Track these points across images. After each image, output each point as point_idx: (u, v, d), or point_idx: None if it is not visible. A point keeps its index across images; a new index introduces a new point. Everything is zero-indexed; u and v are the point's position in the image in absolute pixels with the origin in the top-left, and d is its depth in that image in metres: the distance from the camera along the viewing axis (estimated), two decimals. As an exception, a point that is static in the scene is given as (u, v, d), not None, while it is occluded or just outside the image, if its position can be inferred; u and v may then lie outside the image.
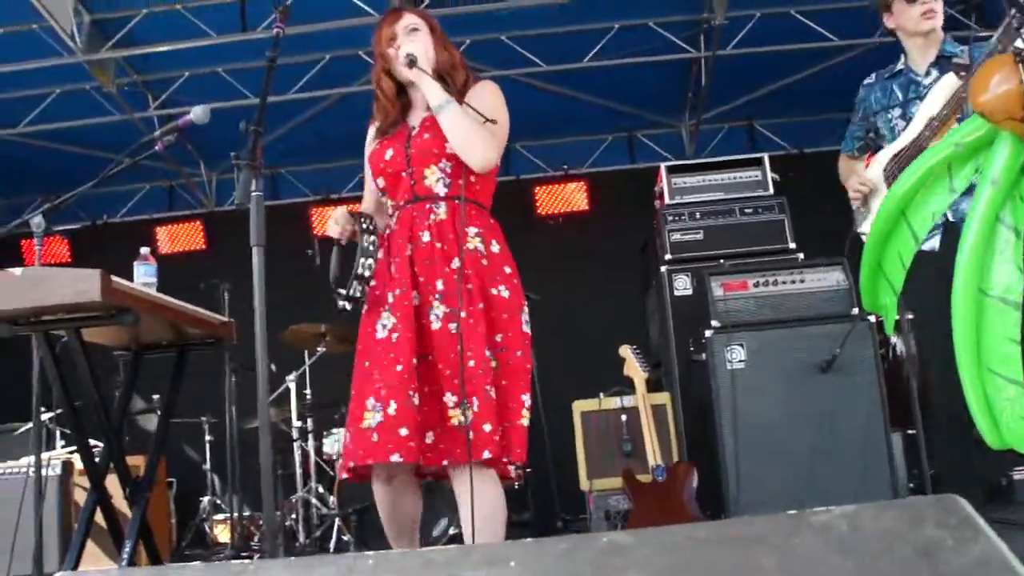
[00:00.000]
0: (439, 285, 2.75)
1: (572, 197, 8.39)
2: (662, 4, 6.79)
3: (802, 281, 5.01)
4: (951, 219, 3.49)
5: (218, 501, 6.69)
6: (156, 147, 3.31)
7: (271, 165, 8.42)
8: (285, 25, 2.80)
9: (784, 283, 5.03)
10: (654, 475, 4.68)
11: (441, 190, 2.83)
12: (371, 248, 2.81)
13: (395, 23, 2.94)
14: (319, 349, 6.11)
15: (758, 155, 6.17)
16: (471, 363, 2.63)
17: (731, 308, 4.94)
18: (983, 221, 2.28)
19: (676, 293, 5.71)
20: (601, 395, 5.33)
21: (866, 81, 3.93)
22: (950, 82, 3.30)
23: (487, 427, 2.59)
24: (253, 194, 2.45)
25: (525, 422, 2.73)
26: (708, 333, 4.84)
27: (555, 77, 7.49)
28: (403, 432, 2.55)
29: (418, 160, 2.84)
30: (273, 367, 6.28)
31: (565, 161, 8.46)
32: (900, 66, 3.77)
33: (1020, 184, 2.27)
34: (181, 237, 8.54)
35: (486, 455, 2.58)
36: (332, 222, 2.90)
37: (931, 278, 3.06)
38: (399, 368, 2.63)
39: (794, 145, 8.25)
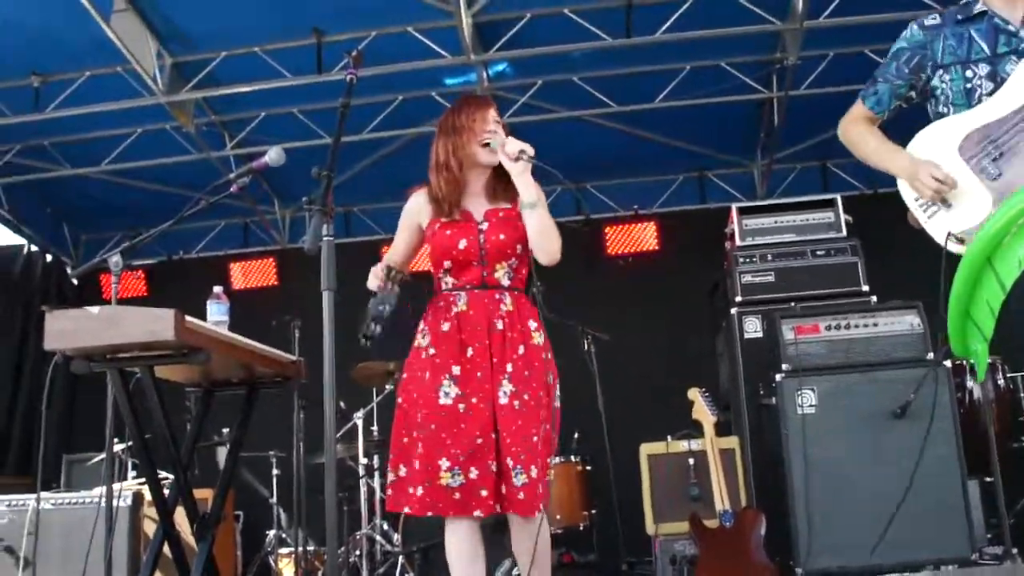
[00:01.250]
0: (508, 368, 3.09)
1: (642, 237, 8.36)
2: (735, 44, 6.74)
3: (875, 325, 4.91)
4: None
5: (283, 535, 6.72)
6: (232, 188, 3.41)
7: (344, 203, 8.54)
8: (358, 70, 2.85)
9: (857, 327, 4.93)
10: (721, 520, 4.60)
11: (506, 281, 3.19)
12: (390, 296, 3.02)
13: (486, 109, 3.28)
14: (387, 387, 6.13)
15: (831, 196, 6.08)
16: (535, 438, 3.05)
17: (802, 352, 4.86)
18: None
19: (746, 336, 5.62)
20: (669, 438, 5.26)
21: (928, 21, 2.95)
22: None
23: (539, 489, 3.03)
24: (324, 239, 2.49)
25: (549, 478, 3.28)
26: (778, 377, 4.76)
27: (626, 117, 7.49)
28: (483, 493, 2.99)
29: (492, 256, 3.17)
30: (342, 404, 6.37)
31: (635, 201, 8.43)
32: (980, 7, 2.80)
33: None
34: (254, 273, 8.69)
35: (540, 507, 3.04)
36: (372, 277, 3.11)
37: None
38: (479, 441, 3.01)
39: (868, 185, 8.12)
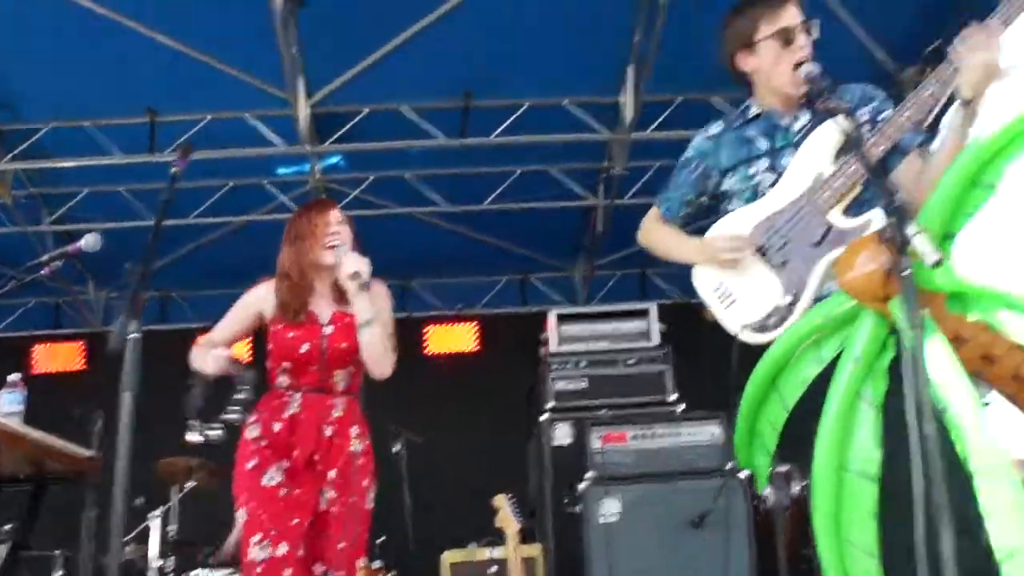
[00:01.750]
0: (330, 475, 3.15)
1: (463, 337, 8.39)
2: (565, 151, 6.99)
3: (679, 434, 5.06)
4: None
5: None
6: (44, 271, 3.29)
7: (162, 288, 8.24)
8: (185, 161, 2.79)
9: (662, 436, 5.08)
10: (519, 629, 4.57)
11: (341, 386, 3.26)
12: (249, 387, 3.12)
13: (327, 212, 3.35)
14: (188, 484, 5.86)
15: (645, 305, 6.29)
16: (341, 545, 3.10)
17: (608, 460, 4.95)
18: (844, 398, 2.33)
19: (555, 442, 5.68)
20: (473, 545, 5.22)
21: (711, 131, 3.08)
22: (832, 131, 2.67)
23: None
24: (130, 336, 2.38)
25: None
26: (583, 485, 4.82)
27: (455, 217, 7.60)
28: (287, 573, 2.98)
29: (333, 361, 3.22)
30: (138, 501, 6.02)
31: (459, 300, 8.50)
32: (755, 110, 2.96)
33: (880, 360, 2.34)
34: (61, 357, 8.19)
35: None
36: (212, 360, 3.17)
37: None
38: (294, 522, 3.04)
39: (684, 295, 8.44)
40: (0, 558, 6.31)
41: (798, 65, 2.74)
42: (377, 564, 5.79)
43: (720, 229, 2.91)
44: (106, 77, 6.04)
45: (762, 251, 2.77)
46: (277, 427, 3.19)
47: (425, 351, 8.35)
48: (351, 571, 3.12)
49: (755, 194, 2.85)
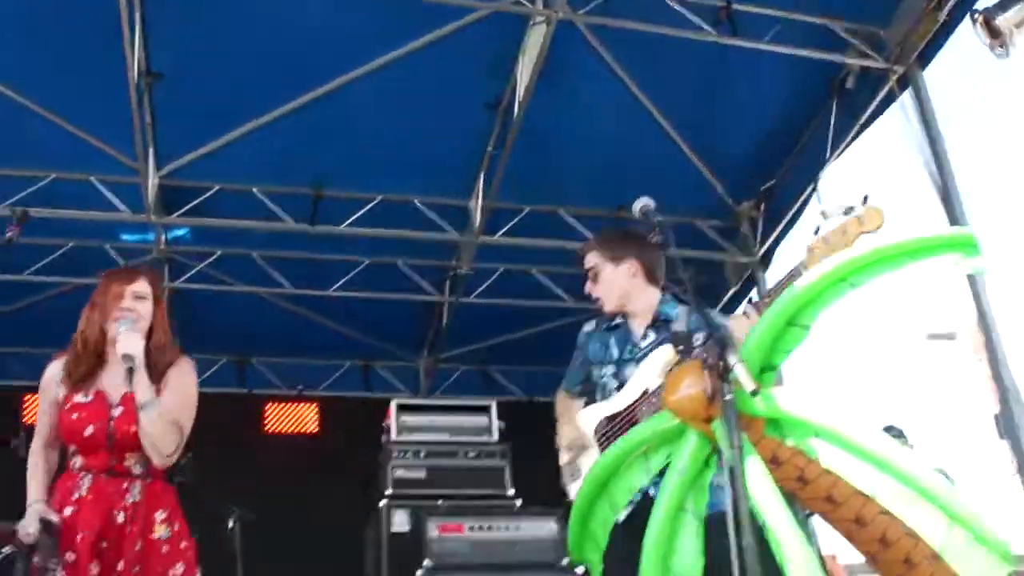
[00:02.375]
0: (119, 566, 2.89)
1: (303, 418, 8.32)
2: (415, 247, 7.11)
3: (517, 528, 5.17)
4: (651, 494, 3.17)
5: None
6: None
7: (-6, 346, 7.88)
8: (21, 229, 2.77)
9: (499, 528, 5.17)
10: None
11: (138, 470, 3.03)
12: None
13: (127, 284, 3.15)
14: (4, 550, 5.56)
15: (486, 401, 6.44)
16: None
17: (445, 550, 5.01)
18: (669, 508, 2.50)
19: (393, 529, 5.70)
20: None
21: (587, 328, 3.61)
22: (665, 354, 3.13)
23: None
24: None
25: None
26: (419, 573, 4.85)
27: (301, 299, 7.60)
28: None
29: (120, 445, 3.00)
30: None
31: (300, 381, 8.42)
32: (618, 320, 3.47)
33: (703, 475, 2.52)
34: None
35: None
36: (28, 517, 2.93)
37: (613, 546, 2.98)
38: None
39: (524, 392, 8.62)
40: None
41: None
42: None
43: (585, 415, 3.43)
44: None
45: (598, 443, 3.30)
46: (68, 511, 2.95)
47: (265, 429, 8.22)
48: None
49: (604, 394, 3.38)
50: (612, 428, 3.27)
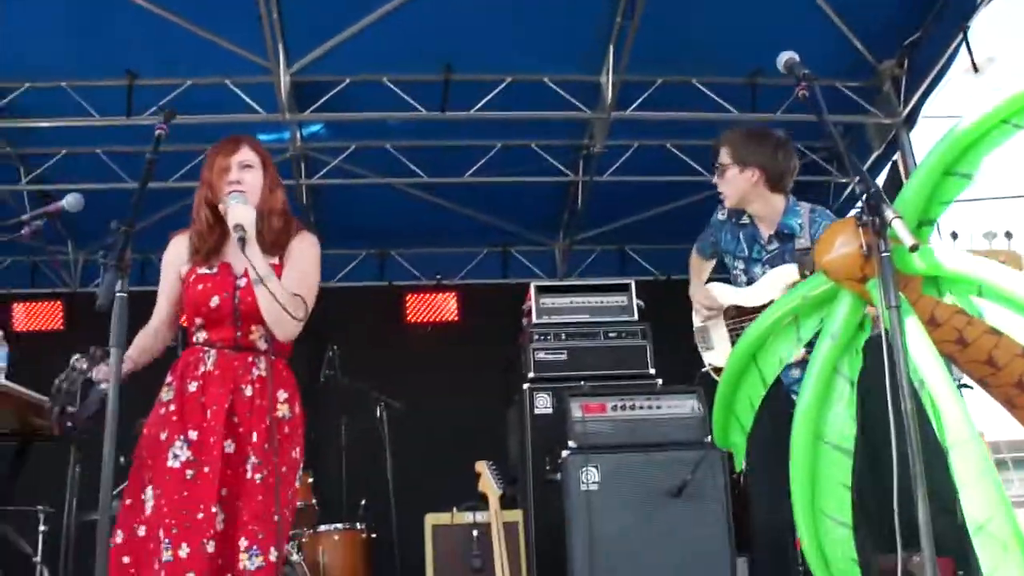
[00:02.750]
0: (254, 437, 2.85)
1: (443, 307, 8.44)
2: (546, 128, 7.02)
3: (659, 407, 5.16)
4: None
5: (44, 597, 6.30)
6: (23, 231, 3.26)
7: (142, 251, 8.19)
8: (168, 126, 2.82)
9: (641, 408, 5.16)
10: (501, 594, 4.67)
11: (263, 345, 2.96)
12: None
13: (231, 155, 3.04)
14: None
15: (625, 280, 6.38)
16: (276, 518, 2.78)
17: (589, 430, 5.03)
18: (821, 372, 2.41)
19: (536, 411, 5.76)
20: (455, 509, 5.31)
21: (719, 215, 3.78)
22: (789, 275, 3.37)
23: None
24: (117, 295, 2.42)
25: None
26: (564, 453, 4.90)
27: (435, 188, 7.62)
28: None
29: (246, 317, 2.93)
30: (122, 459, 6.07)
31: (438, 271, 8.53)
32: (746, 219, 3.67)
33: (857, 338, 2.42)
34: (40, 316, 8.18)
35: None
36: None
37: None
38: (200, 516, 2.69)
39: (662, 272, 8.52)
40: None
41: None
42: (360, 527, 5.87)
43: (717, 289, 3.81)
44: (85, 39, 6.03)
45: (728, 327, 3.66)
46: (192, 387, 2.89)
47: (406, 319, 8.39)
48: (280, 552, 2.78)
49: (736, 284, 3.71)
50: (741, 320, 3.58)
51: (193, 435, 2.80)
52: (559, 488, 4.94)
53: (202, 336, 2.99)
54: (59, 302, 8.21)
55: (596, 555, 4.69)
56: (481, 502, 5.14)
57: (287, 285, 2.90)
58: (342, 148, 7.20)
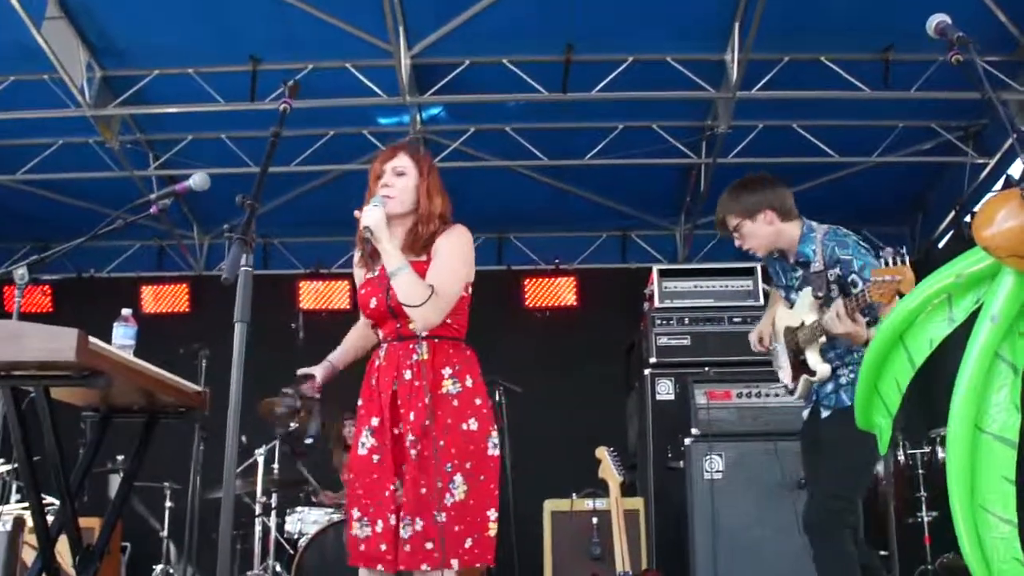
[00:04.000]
0: (411, 417, 3.02)
1: (561, 292, 8.37)
2: (668, 108, 6.87)
3: (783, 395, 4.96)
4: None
5: (171, 570, 6.49)
6: (152, 209, 3.29)
7: (263, 235, 8.38)
8: (293, 100, 2.80)
9: (767, 396, 5.02)
10: (621, 582, 4.57)
11: (425, 332, 3.10)
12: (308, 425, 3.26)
13: (387, 162, 3.23)
14: (292, 424, 5.98)
15: (751, 264, 6.17)
16: (423, 490, 2.95)
17: (713, 417, 4.90)
18: (981, 357, 2.23)
19: (658, 397, 5.65)
20: (574, 495, 5.23)
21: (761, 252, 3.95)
22: (807, 299, 3.65)
23: (428, 545, 2.90)
24: (242, 269, 2.41)
25: (492, 533, 3.03)
26: (688, 441, 4.78)
27: (555, 171, 7.55)
28: (383, 548, 2.95)
29: (400, 311, 3.08)
30: (244, 439, 6.19)
31: (557, 255, 8.45)
32: (776, 252, 3.86)
33: (1021, 321, 2.23)
34: (166, 298, 8.45)
35: (455, 563, 2.91)
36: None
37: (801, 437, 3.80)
38: (386, 494, 2.99)
39: (786, 259, 8.26)
40: (114, 488, 6.63)
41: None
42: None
43: (779, 313, 3.93)
44: (209, 26, 6.14)
45: (786, 346, 3.81)
46: (373, 380, 3.15)
47: (525, 303, 8.35)
48: (438, 520, 2.91)
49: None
50: (790, 340, 3.77)
51: (375, 422, 3.09)
52: (681, 476, 4.82)
53: (379, 334, 3.24)
54: (185, 285, 8.45)
55: (719, 544, 4.57)
56: (601, 489, 5.05)
57: (428, 278, 3.05)
58: (462, 131, 7.18)
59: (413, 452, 2.98)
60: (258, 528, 5.94)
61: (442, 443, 2.99)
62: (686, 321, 5.83)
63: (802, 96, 6.44)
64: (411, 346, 3.10)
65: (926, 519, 5.59)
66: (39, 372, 2.85)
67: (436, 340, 3.10)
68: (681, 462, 4.84)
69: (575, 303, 8.33)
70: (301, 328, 6.33)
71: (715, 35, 6.21)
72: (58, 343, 2.69)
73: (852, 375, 3.52)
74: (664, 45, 6.31)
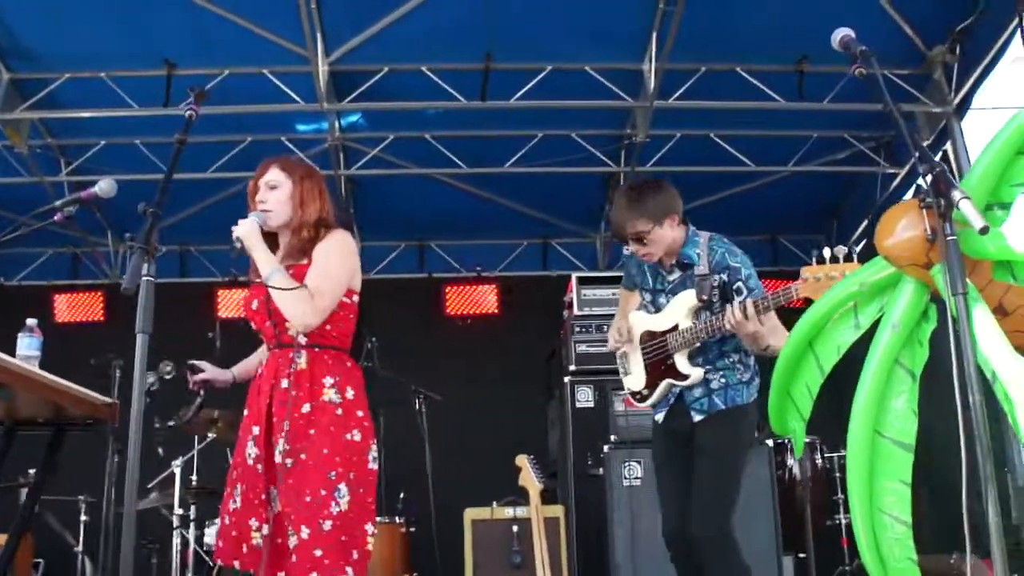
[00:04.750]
0: (286, 426, 2.98)
1: (483, 299, 8.36)
2: (587, 117, 6.92)
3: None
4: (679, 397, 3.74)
5: (85, 587, 6.32)
6: (56, 216, 3.20)
7: (181, 242, 8.22)
8: (199, 107, 2.77)
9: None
10: (542, 590, 4.58)
11: (303, 340, 3.10)
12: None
13: (260, 177, 3.27)
14: (210, 435, 5.89)
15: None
16: (307, 498, 2.90)
17: (632, 424, 4.92)
18: (881, 364, 2.29)
19: (578, 404, 5.67)
20: (495, 504, 5.23)
21: (626, 250, 3.89)
22: (690, 300, 3.63)
23: (317, 552, 2.86)
24: (144, 279, 2.37)
25: (370, 547, 2.98)
26: (606, 448, 4.80)
27: (475, 179, 7.54)
28: (244, 549, 2.98)
29: (278, 317, 3.11)
30: (160, 450, 6.07)
31: (479, 263, 8.45)
32: None
33: (920, 329, 2.30)
34: (80, 307, 8.23)
35: (349, 571, 2.88)
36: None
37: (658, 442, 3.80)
38: (257, 502, 2.99)
39: (707, 263, 8.37)
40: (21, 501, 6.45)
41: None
42: (399, 520, 5.82)
43: (634, 318, 3.91)
44: (123, 28, 6.01)
45: (643, 351, 3.80)
46: (256, 389, 3.17)
47: (446, 311, 8.33)
48: (322, 528, 2.88)
49: (646, 309, 3.86)
50: (652, 345, 3.76)
51: (256, 430, 3.06)
52: (600, 483, 4.84)
53: (262, 342, 3.28)
54: (100, 293, 8.25)
55: (639, 551, 4.59)
56: (521, 497, 5.05)
57: (306, 280, 3.07)
58: (381, 138, 7.14)
59: (289, 461, 2.94)
60: (176, 540, 5.82)
61: (326, 451, 2.96)
62: (605, 328, 5.82)
63: (718, 107, 6.55)
64: (290, 355, 3.08)
65: (843, 522, 5.71)
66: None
67: (316, 349, 3.10)
68: (600, 469, 4.86)
69: (496, 310, 8.33)
70: (218, 337, 6.24)
71: (633, 45, 6.29)
72: (-45, 358, 2.62)
73: (723, 380, 3.60)
74: (583, 54, 6.36)
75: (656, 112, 6.58)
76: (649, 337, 3.77)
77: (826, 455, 5.89)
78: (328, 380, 3.05)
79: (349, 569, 2.86)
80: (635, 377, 3.86)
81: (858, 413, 2.31)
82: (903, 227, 2.21)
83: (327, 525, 2.87)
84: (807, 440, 5.27)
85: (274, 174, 3.25)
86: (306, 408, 3.00)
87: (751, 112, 6.63)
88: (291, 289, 3.02)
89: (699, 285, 3.60)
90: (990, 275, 2.22)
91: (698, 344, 3.60)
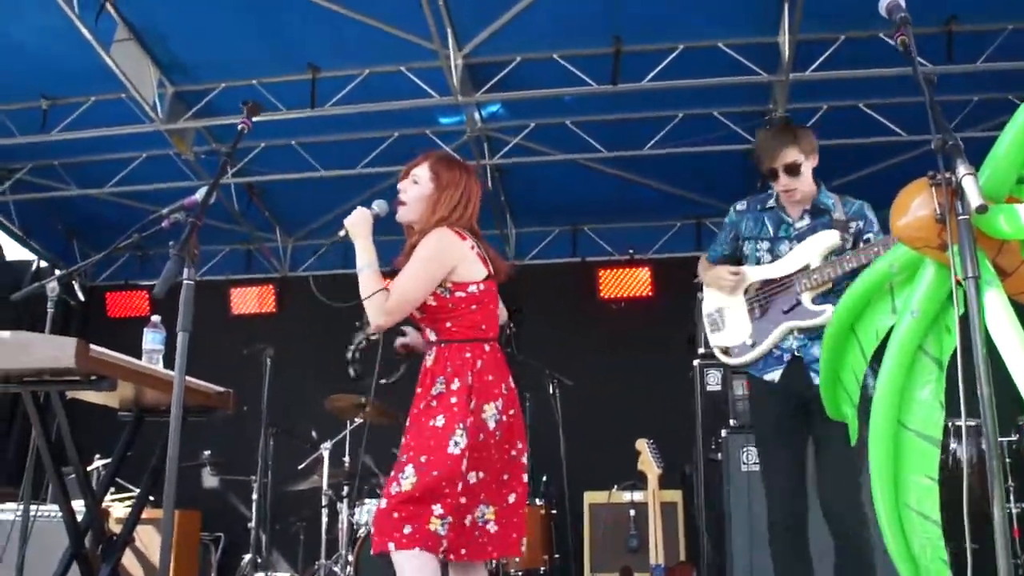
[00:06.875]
0: (408, 422, 3.12)
1: (636, 282, 8.33)
2: (725, 94, 6.74)
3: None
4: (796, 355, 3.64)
5: (258, 559, 6.77)
6: (164, 223, 3.46)
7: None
8: (251, 121, 2.94)
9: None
10: (652, 574, 4.57)
11: (433, 337, 3.20)
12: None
13: (413, 167, 3.38)
14: (357, 419, 6.18)
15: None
16: (393, 483, 3.01)
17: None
18: (903, 352, 2.19)
19: (708, 388, 5.58)
20: (614, 488, 5.25)
21: (739, 207, 3.96)
22: (830, 239, 3.59)
23: (383, 522, 2.95)
24: (185, 283, 2.55)
25: (433, 528, 2.94)
26: (724, 432, 4.73)
27: (619, 162, 7.50)
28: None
29: (415, 317, 3.22)
30: (314, 433, 6.43)
31: (631, 245, 8.40)
32: (772, 203, 3.83)
33: (945, 314, 2.18)
34: (253, 300, 8.82)
35: (391, 546, 2.91)
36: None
37: (770, 406, 3.65)
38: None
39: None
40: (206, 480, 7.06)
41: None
42: (540, 502, 5.91)
43: (742, 272, 3.85)
44: (268, 39, 6.38)
45: (749, 302, 3.78)
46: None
47: (599, 295, 8.36)
48: (388, 504, 2.96)
49: (757, 263, 3.82)
50: (767, 292, 3.71)
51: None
52: (720, 468, 4.77)
53: None
54: (271, 286, 8.78)
55: (756, 536, 4.49)
56: (641, 481, 5.05)
57: (398, 281, 3.14)
58: (522, 127, 7.23)
59: (404, 457, 3.02)
60: (324, 520, 6.15)
61: (407, 438, 3.06)
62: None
63: (861, 75, 6.23)
64: (429, 352, 3.18)
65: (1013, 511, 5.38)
66: (51, 378, 3.09)
67: (442, 345, 3.14)
68: (719, 454, 4.79)
69: (650, 293, 8.28)
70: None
71: (766, 17, 6.08)
72: (60, 351, 2.92)
73: None
74: (713, 31, 6.21)
75: (797, 85, 6.34)
76: (763, 285, 3.73)
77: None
78: (440, 378, 3.09)
79: (391, 544, 2.88)
80: (732, 331, 3.82)
81: (879, 403, 2.21)
82: (916, 206, 2.10)
83: (383, 503, 2.98)
84: (971, 424, 4.97)
85: (422, 170, 3.34)
86: (422, 405, 3.09)
87: (900, 78, 6.27)
88: (368, 289, 3.12)
89: (840, 228, 3.59)
90: (1020, 256, 2.08)
91: (830, 285, 3.55)
